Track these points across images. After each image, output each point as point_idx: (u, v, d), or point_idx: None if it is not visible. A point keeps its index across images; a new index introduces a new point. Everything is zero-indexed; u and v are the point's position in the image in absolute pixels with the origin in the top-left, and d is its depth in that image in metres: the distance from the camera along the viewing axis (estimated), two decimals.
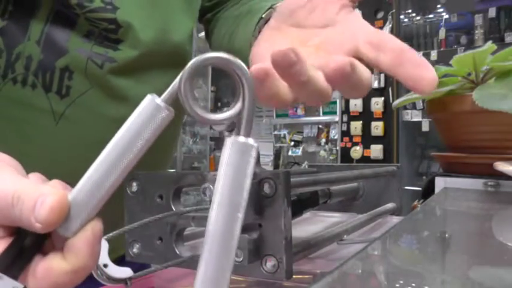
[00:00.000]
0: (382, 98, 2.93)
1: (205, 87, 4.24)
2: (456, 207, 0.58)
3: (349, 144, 3.07)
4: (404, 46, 0.30)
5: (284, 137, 4.40)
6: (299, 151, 4.28)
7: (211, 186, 0.31)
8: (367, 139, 3.00)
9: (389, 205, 0.68)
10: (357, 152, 3.01)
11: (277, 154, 4.40)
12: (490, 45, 0.65)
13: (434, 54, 2.85)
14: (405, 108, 2.95)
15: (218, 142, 4.60)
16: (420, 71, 0.29)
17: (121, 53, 0.49)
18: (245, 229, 0.32)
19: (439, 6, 3.13)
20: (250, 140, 0.24)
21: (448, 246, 0.36)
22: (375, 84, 2.95)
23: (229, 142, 0.24)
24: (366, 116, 3.00)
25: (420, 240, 0.38)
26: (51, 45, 0.47)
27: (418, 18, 3.19)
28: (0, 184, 0.24)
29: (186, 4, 0.57)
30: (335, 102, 3.82)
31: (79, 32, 0.48)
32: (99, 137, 0.36)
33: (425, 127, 2.90)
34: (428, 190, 0.72)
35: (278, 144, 4.42)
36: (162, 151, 0.62)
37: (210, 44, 0.66)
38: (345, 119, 3.09)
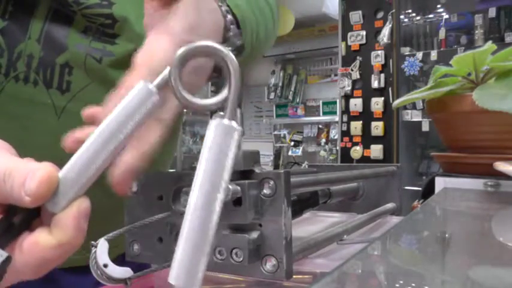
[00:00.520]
0: (382, 98, 2.93)
1: (205, 87, 4.24)
2: (456, 207, 0.58)
3: (349, 144, 3.06)
4: None
5: (284, 137, 4.40)
6: (299, 151, 4.27)
7: None
8: (367, 139, 2.99)
9: (389, 205, 0.68)
10: (357, 152, 3.01)
11: (277, 154, 4.39)
12: (490, 45, 0.65)
13: (434, 54, 2.84)
14: (405, 108, 2.95)
15: None
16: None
17: (118, 47, 0.50)
18: (245, 229, 0.32)
19: (439, 6, 3.13)
20: (234, 123, 0.25)
21: (448, 246, 0.36)
22: (375, 84, 2.95)
23: (214, 124, 0.24)
24: (366, 116, 3.00)
25: (420, 240, 0.38)
26: (51, 43, 0.48)
27: (418, 18, 3.19)
28: None
29: None
30: (335, 102, 3.82)
31: (77, 28, 0.49)
32: None
33: (425, 127, 2.90)
34: (428, 190, 0.72)
35: (278, 144, 4.41)
36: (166, 154, 0.63)
37: None
38: (345, 119, 3.09)
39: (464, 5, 2.94)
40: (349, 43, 3.06)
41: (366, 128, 3.01)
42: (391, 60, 2.90)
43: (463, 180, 0.67)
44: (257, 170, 0.33)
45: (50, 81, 0.48)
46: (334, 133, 3.94)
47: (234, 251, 0.32)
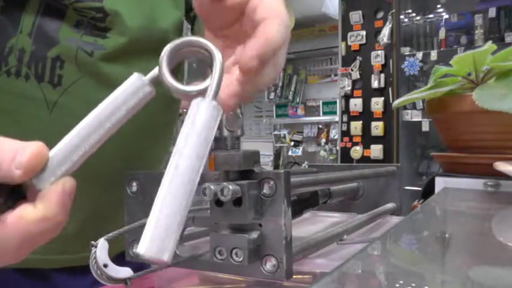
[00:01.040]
0: (382, 98, 2.93)
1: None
2: (456, 207, 0.58)
3: (349, 144, 3.06)
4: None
5: (284, 137, 4.40)
6: (299, 151, 4.27)
7: (211, 186, 0.31)
8: (367, 139, 2.99)
9: (389, 205, 0.68)
10: (357, 152, 3.01)
11: (277, 154, 4.39)
12: (490, 45, 0.65)
13: (434, 54, 2.84)
14: (405, 108, 2.94)
15: (218, 142, 4.59)
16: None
17: (110, 40, 0.50)
18: (245, 229, 0.32)
19: (439, 6, 3.13)
20: (215, 102, 0.26)
21: (448, 246, 0.36)
22: (375, 84, 2.95)
23: (196, 102, 0.26)
24: (366, 116, 3.00)
25: (420, 240, 0.38)
26: (42, 37, 0.48)
27: (418, 18, 3.18)
28: None
29: None
30: (335, 102, 3.82)
31: (69, 22, 0.49)
32: None
33: (425, 127, 2.90)
34: (428, 190, 0.72)
35: (278, 144, 4.41)
36: (162, 150, 0.63)
37: None
38: (345, 119, 3.09)
39: (464, 5, 2.93)
40: (349, 43, 3.06)
41: (366, 128, 3.01)
42: (391, 60, 2.90)
43: (463, 180, 0.67)
44: (257, 170, 0.33)
45: (41, 75, 0.48)
46: (334, 133, 3.94)
47: (234, 251, 0.32)
